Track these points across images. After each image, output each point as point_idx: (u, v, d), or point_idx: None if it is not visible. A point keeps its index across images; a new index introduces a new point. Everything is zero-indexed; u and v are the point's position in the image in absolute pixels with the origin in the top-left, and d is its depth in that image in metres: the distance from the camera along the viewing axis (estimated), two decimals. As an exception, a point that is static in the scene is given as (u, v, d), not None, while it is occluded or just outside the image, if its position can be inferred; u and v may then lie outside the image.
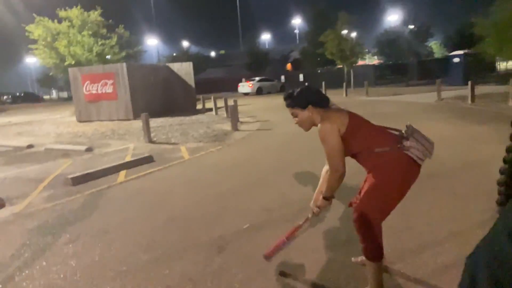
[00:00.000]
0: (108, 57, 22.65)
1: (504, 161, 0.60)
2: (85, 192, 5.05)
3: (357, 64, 30.28)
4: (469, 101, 12.32)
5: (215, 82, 39.35)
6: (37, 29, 20.91)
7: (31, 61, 55.62)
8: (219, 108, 15.74)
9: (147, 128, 8.96)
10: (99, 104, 15.29)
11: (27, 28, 21.01)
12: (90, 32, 21.46)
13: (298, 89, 2.28)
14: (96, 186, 5.30)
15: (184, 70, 17.83)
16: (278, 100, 22.05)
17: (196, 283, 2.60)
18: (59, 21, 21.35)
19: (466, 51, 20.99)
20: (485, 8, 13.98)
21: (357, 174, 2.58)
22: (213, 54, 56.28)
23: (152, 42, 51.04)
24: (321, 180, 2.50)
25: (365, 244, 2.16)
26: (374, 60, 45.08)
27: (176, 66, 18.08)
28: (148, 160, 6.76)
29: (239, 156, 6.91)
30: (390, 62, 37.17)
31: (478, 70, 21.30)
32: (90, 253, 3.18)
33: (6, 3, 36.48)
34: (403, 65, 33.80)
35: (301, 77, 34.13)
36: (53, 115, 20.63)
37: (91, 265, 2.97)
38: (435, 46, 43.83)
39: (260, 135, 9.40)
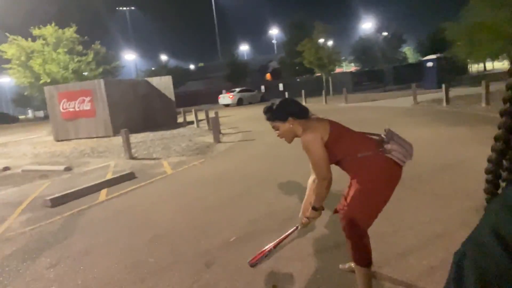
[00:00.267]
0: (85, 73, 22.34)
1: (492, 149, 0.63)
2: (65, 213, 4.90)
3: (335, 71, 30.82)
4: (444, 104, 12.67)
5: (196, 95, 39.27)
6: (10, 48, 20.47)
7: (5, 80, 54.28)
8: (201, 120, 15.68)
9: (127, 144, 8.82)
10: (77, 122, 15.01)
11: (0, 47, 20.54)
12: (66, 49, 21.15)
13: (277, 102, 2.30)
14: (76, 206, 5.16)
15: (164, 84, 17.73)
16: (259, 110, 22.20)
17: (184, 301, 2.54)
18: (33, 40, 20.98)
19: (438, 55, 21.66)
20: (454, 14, 14.53)
21: (339, 179, 2.60)
22: (192, 67, 56.31)
23: (129, 57, 50.76)
24: (308, 190, 2.50)
25: (355, 250, 2.17)
26: (351, 67, 46.02)
27: (155, 81, 17.97)
28: (129, 177, 6.64)
29: (223, 168, 6.87)
30: (367, 69, 38.02)
31: (451, 73, 22.00)
32: (72, 277, 3.08)
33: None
34: (379, 71, 34.62)
35: (281, 86, 34.44)
36: (30, 135, 20.09)
37: (74, 289, 2.87)
38: (409, 52, 45.16)
39: (243, 146, 9.39)
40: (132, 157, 8.79)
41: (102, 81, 14.74)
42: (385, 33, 39.90)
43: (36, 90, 21.77)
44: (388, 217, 3.31)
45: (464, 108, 11.50)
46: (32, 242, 3.97)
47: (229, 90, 30.86)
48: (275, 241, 2.54)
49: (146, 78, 19.93)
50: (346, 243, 2.22)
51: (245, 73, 39.73)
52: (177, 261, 3.16)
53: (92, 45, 23.94)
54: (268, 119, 2.30)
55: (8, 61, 20.99)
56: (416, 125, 9.13)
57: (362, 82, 33.99)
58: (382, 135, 2.22)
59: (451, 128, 8.42)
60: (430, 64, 22.10)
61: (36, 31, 20.93)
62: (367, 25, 44.05)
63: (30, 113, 64.86)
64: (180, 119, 18.11)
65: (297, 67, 33.51)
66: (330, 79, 27.97)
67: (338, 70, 35.31)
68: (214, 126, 10.37)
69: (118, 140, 11.08)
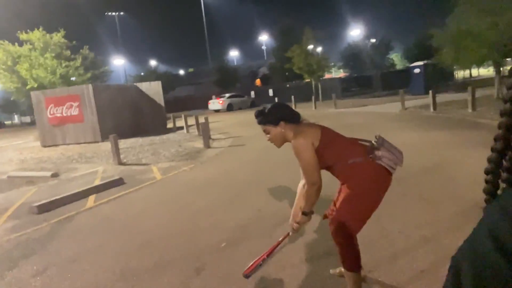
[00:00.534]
0: (73, 79, 22.09)
1: (492, 149, 0.64)
2: (52, 220, 4.82)
3: (324, 77, 31.08)
4: (432, 109, 12.86)
5: (185, 100, 39.15)
6: (-4, 53, 20.15)
7: (-9, 85, 53.29)
8: (190, 126, 15.62)
9: (116, 149, 8.73)
10: (64, 127, 14.81)
11: (-15, 52, 20.21)
12: (53, 54, 20.90)
13: (269, 106, 2.31)
14: (64, 213, 5.07)
15: (153, 89, 17.64)
16: (249, 116, 22.12)
17: (174, 308, 2.51)
18: (20, 44, 20.70)
19: (425, 62, 22.02)
20: (441, 21, 14.79)
21: (330, 184, 2.61)
22: (182, 72, 56.18)
23: (119, 62, 50.39)
24: (297, 195, 2.50)
25: (344, 255, 2.18)
26: (340, 73, 46.50)
27: (144, 86, 17.87)
28: (118, 182, 6.56)
29: (213, 174, 6.85)
30: (355, 75, 38.48)
31: (438, 79, 22.37)
32: (59, 285, 3.02)
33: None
34: (367, 77, 35.05)
35: (270, 92, 34.56)
36: (16, 140, 19.74)
37: (60, 297, 2.82)
38: (396, 58, 45.80)
39: (233, 151, 9.38)
40: (121, 163, 8.69)
41: (90, 86, 14.60)
42: (373, 40, 40.48)
43: (23, 95, 21.45)
44: (378, 221, 3.34)
45: (450, 114, 11.69)
46: (18, 250, 3.89)
47: (219, 96, 30.86)
48: (268, 250, 2.52)
49: (135, 83, 19.81)
50: (336, 248, 2.23)
51: (235, 79, 39.80)
52: (166, 267, 3.12)
53: (81, 50, 23.72)
54: (260, 122, 2.30)
55: (-6, 66, 20.64)
56: (404, 130, 9.24)
57: (351, 88, 34.35)
58: (373, 142, 2.23)
59: (438, 133, 8.54)
60: (417, 70, 22.44)
61: (23, 36, 20.66)
62: (355, 32, 44.63)
63: (16, 119, 63.79)
64: (169, 125, 18.01)
65: (287, 73, 33.67)
66: (319, 85, 28.17)
67: (327, 76, 35.65)
68: (204, 131, 10.34)
69: (107, 145, 10.96)
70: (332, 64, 34.97)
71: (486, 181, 0.51)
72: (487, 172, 0.51)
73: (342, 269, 2.28)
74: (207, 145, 10.10)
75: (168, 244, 3.65)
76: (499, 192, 0.47)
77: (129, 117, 16.15)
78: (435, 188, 4.49)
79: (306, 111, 18.38)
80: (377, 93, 29.62)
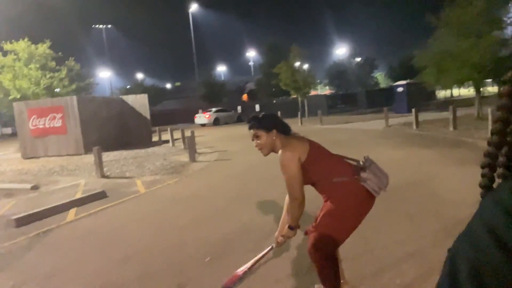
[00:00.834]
0: (57, 90, 21.78)
1: (488, 143, 0.65)
2: (30, 233, 4.67)
3: (310, 94, 31.46)
4: (414, 127, 13.14)
5: (172, 114, 38.99)
6: (-22, 63, 19.77)
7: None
8: (176, 139, 15.52)
9: (99, 162, 8.59)
10: (46, 139, 14.51)
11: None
12: (38, 65, 20.63)
13: (263, 113, 2.34)
14: (43, 226, 4.92)
15: (139, 102, 17.53)
16: (236, 130, 22.09)
17: (155, 324, 2.44)
18: (4, 54, 20.38)
19: (408, 81, 22.58)
20: (423, 42, 15.25)
21: (313, 201, 2.61)
22: (168, 86, 56.09)
23: (105, 75, 50.01)
24: (284, 209, 2.49)
25: (321, 273, 2.17)
26: (326, 90, 47.21)
27: (130, 98, 17.75)
28: (100, 196, 6.43)
29: (198, 188, 6.78)
30: (341, 92, 39.13)
31: (420, 98, 22.91)
32: (35, 300, 2.91)
33: None
34: (352, 95, 35.70)
35: (257, 107, 34.75)
36: (-5, 152, 19.23)
37: (36, 314, 2.71)
38: (380, 77, 46.89)
39: (218, 165, 9.33)
40: (104, 176, 8.54)
41: (74, 98, 14.42)
42: (358, 59, 41.40)
43: (5, 106, 20.98)
44: (363, 236, 3.35)
45: (433, 132, 11.95)
46: (-7, 264, 3.74)
47: (205, 110, 30.85)
48: (250, 263, 2.50)
49: (121, 96, 19.65)
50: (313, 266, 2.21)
51: (222, 93, 39.94)
52: (148, 282, 3.05)
53: (66, 62, 23.47)
54: (253, 126, 2.28)
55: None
56: (388, 147, 9.38)
57: (337, 105, 34.86)
58: (361, 162, 2.24)
59: (421, 150, 8.70)
60: (400, 89, 22.97)
61: (7, 46, 20.36)
62: (341, 50, 45.59)
63: (-4, 130, 62.23)
64: (155, 138, 17.87)
65: (273, 89, 33.99)
66: (305, 101, 28.50)
67: (313, 92, 36.06)
68: (190, 145, 10.29)
69: (90, 158, 10.77)
70: (318, 81, 35.54)
71: (482, 175, 0.52)
72: (483, 166, 0.52)
73: (321, 286, 2.26)
74: (193, 159, 10.03)
75: (151, 258, 3.57)
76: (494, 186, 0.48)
77: (114, 130, 15.96)
78: (418, 204, 4.54)
79: (293, 127, 18.39)
80: (362, 111, 30.12)
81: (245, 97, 45.95)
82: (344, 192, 2.13)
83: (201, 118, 29.56)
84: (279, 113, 23.98)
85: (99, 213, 5.49)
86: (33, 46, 20.91)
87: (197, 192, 6.43)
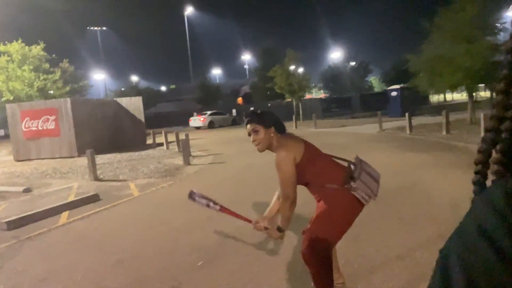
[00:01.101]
0: (51, 92, 21.65)
1: (482, 140, 0.65)
2: (22, 237, 4.62)
3: (305, 97, 31.58)
4: (408, 131, 13.23)
5: (166, 116, 38.88)
6: (-29, 64, 19.60)
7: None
8: (170, 142, 15.47)
9: (92, 165, 8.54)
10: (39, 141, 14.39)
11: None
12: (31, 67, 20.50)
13: (261, 110, 2.37)
14: (35, 229, 4.88)
15: (133, 104, 17.47)
16: (231, 134, 22.05)
17: (147, 329, 2.43)
18: (-3, 56, 20.23)
19: (402, 85, 22.74)
20: (417, 46, 15.39)
21: (309, 203, 2.62)
22: (163, 88, 55.93)
23: (99, 77, 49.77)
24: (272, 203, 2.51)
25: (315, 276, 2.20)
26: (321, 94, 47.37)
27: (125, 101, 17.68)
28: (93, 199, 6.39)
29: (192, 191, 6.75)
30: (335, 96, 39.30)
31: (414, 102, 23.09)
32: (26, 305, 2.88)
33: None
34: (347, 99, 35.85)
35: (252, 110, 34.76)
36: (-13, 154, 19.03)
37: (27, 318, 2.68)
38: (375, 81, 47.18)
39: (213, 168, 9.32)
40: (97, 179, 8.49)
41: (68, 100, 14.34)
42: (352, 63, 41.63)
43: (-3, 108, 20.81)
44: (356, 240, 3.36)
45: (426, 136, 12.04)
46: (-17, 268, 3.70)
47: (200, 113, 30.80)
48: (230, 210, 2.49)
49: (115, 98, 19.57)
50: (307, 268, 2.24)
51: (217, 97, 39.91)
52: (141, 287, 3.03)
53: (60, 64, 23.35)
54: (252, 121, 2.27)
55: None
56: (382, 151, 9.43)
57: (331, 108, 34.99)
58: (352, 161, 2.31)
59: (414, 154, 8.76)
60: (394, 93, 23.13)
61: (1, 47, 20.23)
62: (335, 54, 45.81)
63: (-11, 132, 61.61)
64: (149, 141, 17.80)
65: (268, 92, 34.07)
66: (300, 105, 28.60)
67: (308, 96, 36.25)
68: (184, 148, 10.26)
69: (83, 160, 10.70)
70: (313, 85, 35.67)
71: (476, 172, 0.52)
72: (477, 162, 0.52)
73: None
74: (187, 162, 10.00)
75: (144, 262, 3.55)
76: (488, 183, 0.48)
77: (108, 132, 15.88)
78: (411, 208, 4.57)
79: (287, 130, 18.48)
80: (356, 114, 30.26)
81: (240, 100, 45.97)
82: (335, 198, 2.20)
83: (196, 121, 29.51)
84: (273, 116, 24.03)
85: (91, 217, 5.45)
86: (26, 48, 20.80)
87: (191, 195, 6.40)
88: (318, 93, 48.58)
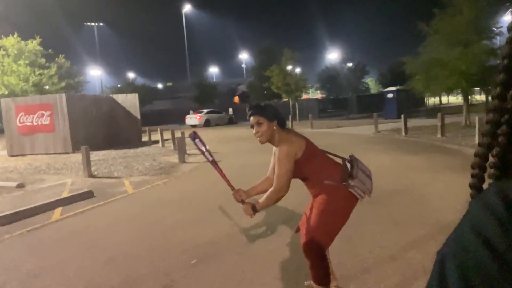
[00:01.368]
0: (46, 87, 21.51)
1: (479, 144, 0.66)
2: (14, 232, 4.59)
3: (302, 98, 31.63)
4: (403, 133, 13.28)
5: (162, 114, 38.78)
6: (-34, 58, 19.43)
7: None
8: (166, 140, 15.43)
9: (87, 161, 8.49)
10: (34, 136, 14.30)
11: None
12: (27, 62, 20.36)
13: (264, 103, 2.40)
14: (27, 225, 4.85)
15: (129, 101, 17.41)
16: (227, 132, 21.99)
17: (139, 327, 2.42)
18: (-8, 50, 20.07)
19: (398, 87, 22.83)
20: (414, 49, 15.47)
21: (304, 204, 2.63)
22: (160, 86, 55.80)
23: (95, 73, 49.54)
24: (258, 182, 2.61)
25: (314, 269, 2.24)
26: (317, 94, 47.50)
27: (120, 98, 17.61)
28: (87, 195, 6.36)
29: (187, 189, 6.75)
30: (332, 97, 39.41)
31: (410, 105, 23.21)
32: (17, 301, 2.86)
33: None
34: (343, 100, 35.94)
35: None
36: (-20, 148, 18.86)
37: (17, 315, 2.66)
38: (371, 83, 47.41)
39: (208, 167, 9.24)
40: (92, 175, 8.45)
41: (63, 96, 14.25)
42: (349, 64, 41.78)
43: (-9, 102, 20.64)
44: (349, 241, 3.37)
45: (421, 138, 12.10)
46: (-26, 264, 3.67)
47: (196, 111, 30.75)
48: (218, 165, 2.54)
49: (111, 95, 19.49)
50: (306, 262, 2.27)
51: (213, 95, 39.86)
52: (133, 285, 3.02)
53: (56, 59, 23.21)
54: (255, 113, 2.29)
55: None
56: (377, 152, 9.46)
57: (328, 109, 35.08)
58: (347, 159, 2.37)
59: (409, 156, 8.80)
60: (390, 95, 23.21)
61: (-3, 42, 20.07)
62: (332, 55, 45.94)
63: (-18, 126, 61.10)
64: (145, 138, 17.74)
65: (265, 92, 34.09)
66: (296, 105, 28.64)
67: (304, 96, 36.29)
68: (180, 146, 10.24)
69: (78, 157, 10.64)
70: (310, 85, 35.72)
71: (472, 175, 0.52)
72: (473, 166, 0.53)
73: (312, 283, 2.31)
74: (183, 160, 9.98)
75: (136, 260, 3.54)
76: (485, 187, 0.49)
77: (103, 129, 15.80)
78: (405, 209, 4.59)
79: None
80: (352, 115, 30.35)
81: (236, 99, 45.97)
82: (333, 194, 2.24)
83: (192, 119, 29.46)
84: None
85: (85, 213, 5.42)
86: (22, 42, 20.66)
87: (185, 193, 6.40)
88: (314, 94, 48.73)
